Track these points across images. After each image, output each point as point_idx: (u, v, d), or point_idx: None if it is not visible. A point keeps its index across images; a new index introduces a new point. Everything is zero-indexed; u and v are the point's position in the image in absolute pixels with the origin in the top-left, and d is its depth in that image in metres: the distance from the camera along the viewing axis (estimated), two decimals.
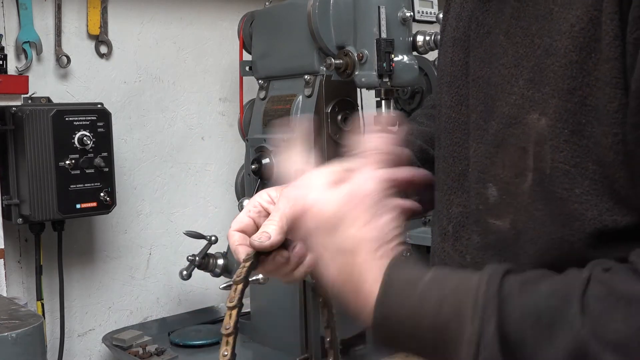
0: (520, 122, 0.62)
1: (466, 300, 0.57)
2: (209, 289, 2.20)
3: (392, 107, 1.65)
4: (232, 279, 0.70)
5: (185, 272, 1.82)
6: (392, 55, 1.57)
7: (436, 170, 0.79)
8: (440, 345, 0.58)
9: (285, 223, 0.70)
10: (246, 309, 1.75)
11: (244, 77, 2.00)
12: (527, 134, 0.61)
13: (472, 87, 0.70)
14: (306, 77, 1.74)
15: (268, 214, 0.75)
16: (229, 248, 1.82)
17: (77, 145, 1.71)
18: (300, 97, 1.75)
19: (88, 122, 1.74)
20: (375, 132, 0.73)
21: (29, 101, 1.77)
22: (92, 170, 1.74)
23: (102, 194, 1.76)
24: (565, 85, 0.58)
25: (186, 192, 2.19)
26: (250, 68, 1.96)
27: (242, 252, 0.73)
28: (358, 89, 1.75)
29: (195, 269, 1.83)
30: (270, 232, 0.70)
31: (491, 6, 0.69)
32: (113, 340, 1.83)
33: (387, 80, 1.58)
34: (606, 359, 0.51)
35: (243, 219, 0.77)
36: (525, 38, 0.63)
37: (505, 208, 0.64)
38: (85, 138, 1.72)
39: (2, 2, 1.80)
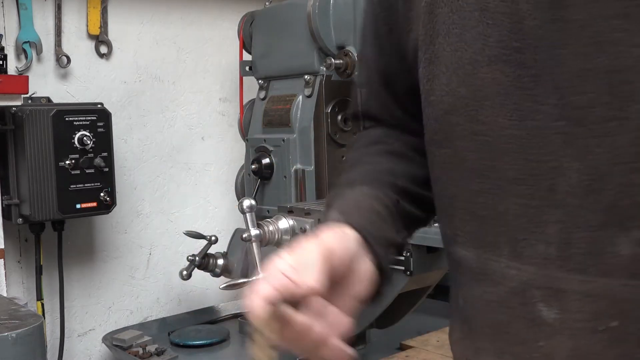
0: None
1: None
2: (209, 289, 2.20)
3: None
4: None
5: (185, 272, 1.82)
6: None
7: (495, 203, 0.64)
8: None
9: (324, 269, 0.61)
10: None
11: (244, 77, 2.00)
12: None
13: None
14: (306, 77, 1.74)
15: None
16: (229, 248, 1.83)
17: (77, 145, 1.71)
18: (300, 97, 1.75)
19: (88, 122, 1.74)
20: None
21: (29, 101, 1.77)
22: (92, 170, 1.74)
23: (102, 194, 1.76)
24: None
25: (186, 192, 2.19)
26: (250, 68, 1.96)
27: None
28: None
29: (195, 269, 1.83)
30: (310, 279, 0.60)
31: None
32: (113, 340, 1.82)
33: None
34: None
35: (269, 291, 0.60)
36: None
37: None
38: (85, 138, 1.72)
39: (2, 2, 1.80)
